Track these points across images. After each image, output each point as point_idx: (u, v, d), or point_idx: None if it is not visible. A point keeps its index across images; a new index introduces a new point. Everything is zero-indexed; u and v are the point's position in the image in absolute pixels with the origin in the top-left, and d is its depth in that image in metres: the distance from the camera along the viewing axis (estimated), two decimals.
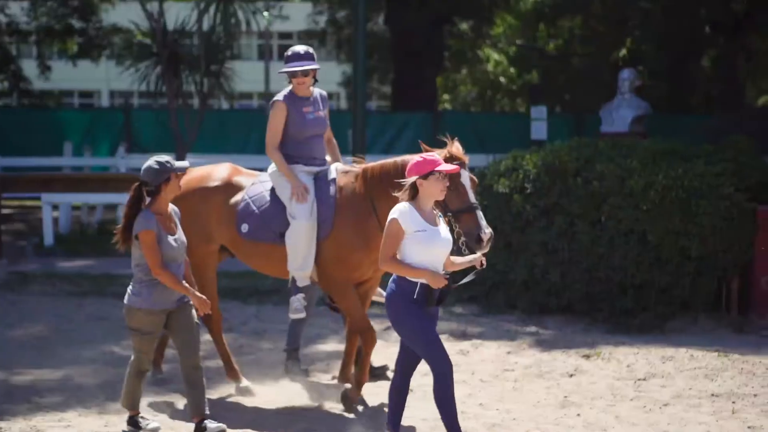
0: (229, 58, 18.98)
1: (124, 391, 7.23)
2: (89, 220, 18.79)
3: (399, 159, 7.74)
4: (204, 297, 6.99)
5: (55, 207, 17.14)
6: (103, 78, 42.55)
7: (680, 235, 10.56)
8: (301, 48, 8.29)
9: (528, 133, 19.44)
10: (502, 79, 35.23)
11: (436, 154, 6.66)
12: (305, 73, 8.19)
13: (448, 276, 6.36)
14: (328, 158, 8.40)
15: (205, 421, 7.06)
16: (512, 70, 34.04)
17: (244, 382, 8.48)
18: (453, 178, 6.87)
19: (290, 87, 8.24)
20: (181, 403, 8.08)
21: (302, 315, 8.28)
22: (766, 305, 10.59)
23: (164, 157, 6.96)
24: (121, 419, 7.57)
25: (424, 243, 6.30)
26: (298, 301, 8.23)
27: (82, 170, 21.07)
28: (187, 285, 6.91)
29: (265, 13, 26.23)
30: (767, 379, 8.70)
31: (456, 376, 8.82)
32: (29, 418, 7.58)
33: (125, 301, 7.02)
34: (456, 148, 7.17)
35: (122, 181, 17.39)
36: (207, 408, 7.10)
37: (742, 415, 7.80)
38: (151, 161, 6.93)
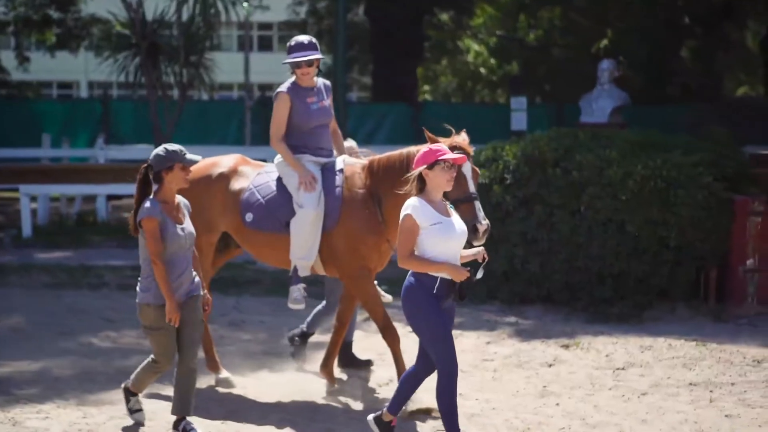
0: (209, 48, 18.88)
1: (134, 376, 7.14)
2: (68, 212, 18.72)
3: (405, 151, 7.66)
4: (175, 307, 6.69)
5: (33, 198, 17.06)
6: (81, 69, 42.35)
7: (658, 225, 10.60)
8: (304, 38, 8.16)
9: (508, 124, 19.46)
10: (482, 70, 35.26)
11: (442, 144, 6.58)
12: (309, 63, 8.07)
13: (469, 269, 6.25)
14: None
15: (184, 422, 6.98)
16: (492, 61, 34.06)
17: (224, 374, 8.46)
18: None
19: (293, 78, 8.16)
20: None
21: (302, 305, 8.18)
22: (743, 294, 10.65)
23: (175, 146, 6.81)
24: (99, 411, 7.55)
25: (441, 235, 6.19)
26: (298, 290, 8.13)
27: (61, 161, 20.97)
28: (168, 290, 6.67)
29: (245, 4, 26.15)
30: (744, 368, 8.76)
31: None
32: (7, 410, 7.54)
33: (137, 300, 6.85)
34: (461, 138, 7.10)
35: (101, 173, 17.41)
36: (192, 409, 7.01)
37: (719, 403, 7.84)
38: (161, 147, 6.81)
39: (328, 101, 8.24)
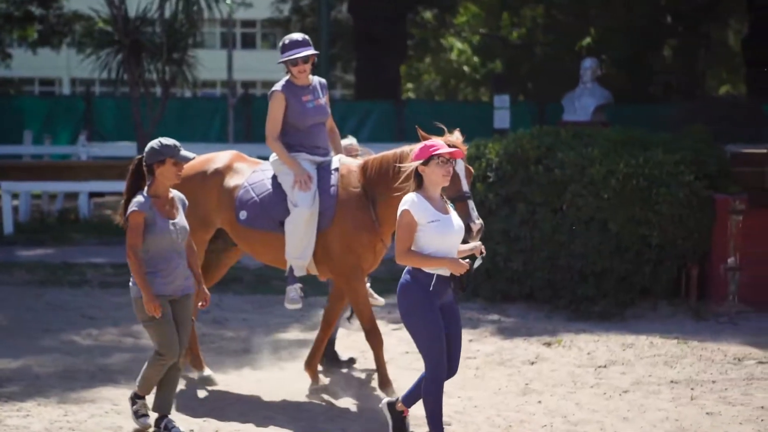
0: (192, 46, 18.81)
1: (141, 376, 6.96)
2: (49, 209, 18.64)
3: (399, 150, 7.63)
4: (152, 298, 6.61)
5: (14, 195, 16.99)
6: (63, 66, 42.22)
7: (640, 223, 10.63)
8: (297, 35, 8.13)
9: (491, 122, 19.47)
10: (465, 68, 35.29)
11: (440, 140, 6.55)
12: (305, 60, 8.03)
13: (469, 262, 6.24)
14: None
15: (166, 420, 6.93)
16: (476, 59, 34.10)
17: (207, 371, 8.45)
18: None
19: (287, 77, 8.09)
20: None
21: (298, 305, 8.10)
22: (724, 292, 10.69)
23: (170, 141, 6.74)
24: (80, 409, 7.53)
25: (439, 232, 6.17)
26: (294, 290, 8.04)
27: (43, 158, 20.88)
28: (143, 283, 6.59)
29: (228, 1, 26.09)
30: (725, 366, 8.79)
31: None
32: None
33: (131, 294, 6.76)
34: (455, 137, 7.01)
35: (83, 169, 17.33)
36: (171, 406, 6.99)
37: (700, 401, 7.87)
38: (156, 140, 6.75)
39: (324, 99, 8.19)
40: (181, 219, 6.79)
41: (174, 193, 6.84)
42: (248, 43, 49.37)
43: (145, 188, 6.74)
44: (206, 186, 8.25)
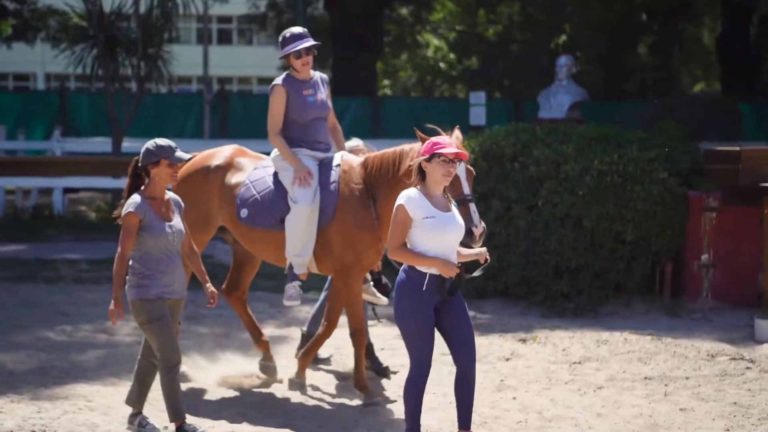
0: (167, 41, 18.76)
1: (166, 402, 6.70)
2: (23, 204, 18.54)
3: (399, 149, 7.54)
4: (118, 302, 6.51)
5: None
6: (38, 61, 41.90)
7: (614, 220, 10.68)
8: (297, 29, 8.02)
9: (467, 119, 19.51)
10: (442, 65, 35.32)
11: (447, 138, 6.40)
12: (308, 51, 7.91)
13: (460, 265, 6.12)
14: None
15: (140, 417, 6.90)
16: (452, 56, 34.14)
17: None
18: None
19: (288, 71, 8.01)
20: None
21: (297, 302, 8.00)
22: (698, 289, 10.75)
23: (165, 142, 6.62)
24: (53, 405, 7.49)
25: (434, 230, 6.05)
26: (293, 288, 7.94)
27: (17, 154, 20.75)
28: (118, 286, 6.47)
29: None
30: (698, 362, 8.84)
31: (394, 360, 8.90)
32: None
33: (128, 297, 6.62)
34: (455, 137, 6.89)
35: (57, 165, 17.24)
36: (144, 403, 6.94)
37: (674, 397, 7.91)
38: (151, 141, 6.64)
39: (324, 94, 8.08)
40: (177, 221, 6.69)
41: (170, 195, 6.74)
42: (224, 39, 49.23)
43: (142, 189, 6.64)
44: (208, 183, 8.16)
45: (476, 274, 6.31)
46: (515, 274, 11.01)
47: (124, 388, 8.04)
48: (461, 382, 6.23)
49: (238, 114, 23.75)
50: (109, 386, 8.09)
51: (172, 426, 6.88)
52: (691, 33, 31.89)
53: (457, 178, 6.68)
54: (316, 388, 8.24)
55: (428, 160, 6.11)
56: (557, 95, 16.31)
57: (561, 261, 10.77)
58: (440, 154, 6.08)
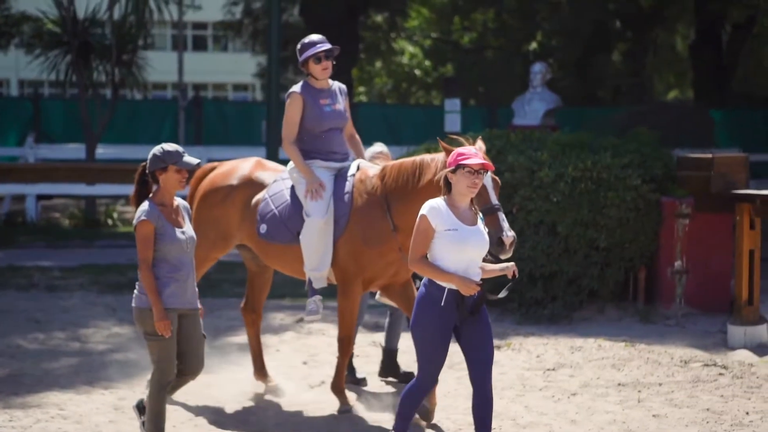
0: (142, 47, 18.72)
1: (148, 416, 6.50)
2: None
3: (419, 158, 7.31)
4: (164, 315, 6.29)
5: None
6: (11, 66, 41.63)
7: (588, 226, 10.71)
8: (315, 36, 7.83)
9: (442, 125, 19.52)
10: (417, 72, 35.36)
11: (474, 149, 6.15)
12: (328, 56, 7.73)
13: (481, 282, 5.94)
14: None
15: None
16: (427, 62, 34.19)
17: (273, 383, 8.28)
18: None
19: (305, 79, 7.83)
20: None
21: (318, 317, 7.87)
22: (671, 295, 10.80)
23: (172, 147, 6.43)
24: (25, 414, 7.44)
25: (455, 243, 5.88)
26: (314, 302, 7.78)
27: None
28: (155, 297, 6.26)
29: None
30: (672, 369, 8.88)
31: (368, 368, 8.90)
32: None
33: (134, 304, 6.45)
34: (478, 146, 6.63)
35: (30, 172, 17.12)
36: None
37: (647, 403, 7.94)
38: (158, 146, 6.48)
39: (342, 104, 7.88)
40: (188, 228, 6.53)
41: (179, 201, 6.59)
42: (199, 45, 49.12)
43: (151, 196, 6.47)
44: (227, 203, 8.01)
45: (501, 295, 6.08)
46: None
47: (97, 396, 8.02)
48: (480, 404, 6.06)
49: (212, 120, 23.69)
50: (82, 394, 8.04)
51: None
52: (664, 40, 32.10)
53: (483, 187, 6.51)
54: (291, 396, 8.21)
55: (453, 171, 5.96)
56: (532, 102, 16.36)
57: (535, 267, 10.80)
58: (465, 165, 5.92)
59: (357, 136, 8.11)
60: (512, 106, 16.72)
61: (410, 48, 34.75)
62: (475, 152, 6.02)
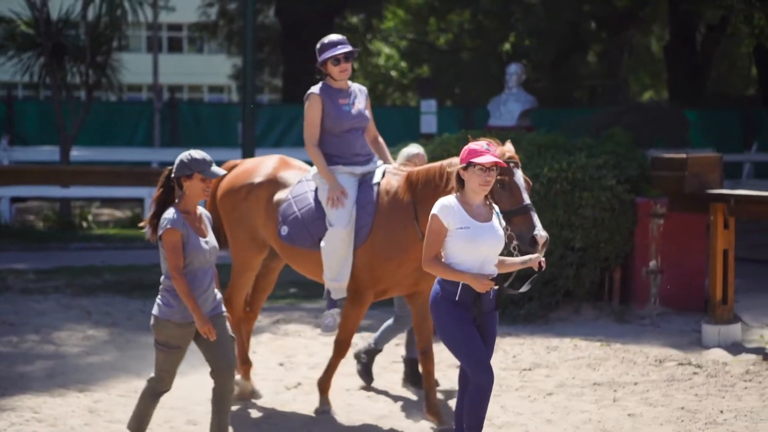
0: (116, 49, 18.64)
1: (133, 413, 6.51)
2: None
3: (446, 162, 7.05)
4: (206, 319, 6.23)
5: None
6: None
7: (564, 227, 10.74)
8: (334, 36, 7.71)
9: (418, 126, 19.56)
10: (393, 73, 35.39)
11: (486, 145, 5.95)
12: (347, 58, 7.60)
13: (494, 278, 5.84)
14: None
15: None
16: (403, 64, 34.21)
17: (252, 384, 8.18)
18: (506, 177, 6.35)
19: (324, 80, 7.70)
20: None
21: (335, 332, 7.66)
22: (646, 295, 10.85)
23: (199, 154, 6.27)
24: (0, 417, 7.38)
25: (467, 241, 5.77)
26: (330, 316, 7.62)
27: None
28: (194, 304, 6.17)
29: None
30: (647, 368, 8.92)
31: (345, 369, 8.88)
32: None
33: (154, 312, 6.31)
34: (507, 147, 6.47)
35: (4, 174, 16.98)
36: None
37: (622, 403, 7.97)
38: (186, 152, 6.35)
39: (362, 105, 7.74)
40: (211, 237, 6.40)
41: (201, 210, 6.44)
42: (174, 47, 48.95)
43: (176, 203, 6.33)
44: (250, 201, 7.87)
45: (523, 289, 5.99)
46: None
47: (72, 398, 7.98)
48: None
49: (188, 122, 23.64)
50: (56, 397, 8.00)
51: None
52: (639, 41, 32.25)
53: (516, 186, 6.39)
54: (267, 397, 8.20)
55: (465, 168, 5.85)
56: (507, 103, 16.37)
57: None
58: (476, 163, 5.82)
59: (381, 139, 7.94)
60: (488, 107, 16.73)
61: (386, 49, 34.77)
62: (486, 149, 5.88)
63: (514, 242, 6.39)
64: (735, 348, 9.46)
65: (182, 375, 8.58)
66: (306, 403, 8.01)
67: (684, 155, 10.51)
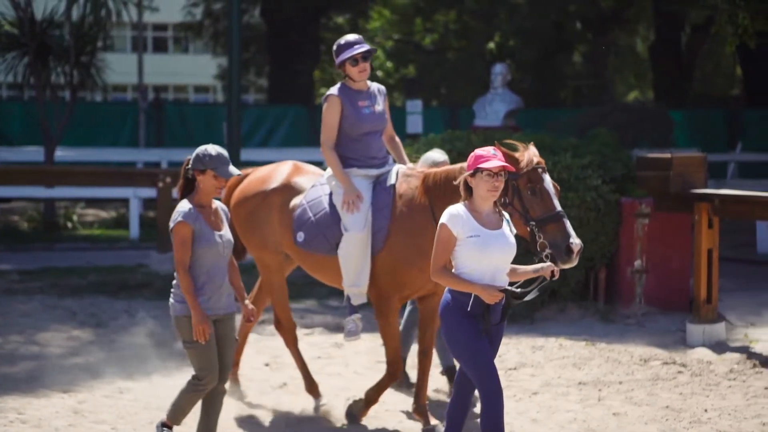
0: (101, 49, 18.58)
1: (172, 405, 6.39)
2: None
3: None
4: (203, 319, 6.13)
5: None
6: None
7: None
8: (351, 36, 7.51)
9: (403, 127, 19.56)
10: (379, 73, 35.38)
11: (492, 149, 5.76)
12: (366, 57, 7.41)
13: (505, 289, 5.68)
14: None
15: None
16: (389, 64, 34.21)
17: (322, 401, 7.94)
18: (535, 183, 6.27)
19: (342, 81, 7.53)
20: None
21: (357, 338, 7.52)
22: (631, 295, 10.86)
23: (217, 151, 6.20)
24: None
25: (478, 249, 5.61)
26: (352, 322, 7.44)
27: None
28: (194, 301, 6.10)
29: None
30: (632, 367, 8.93)
31: (330, 369, 8.89)
32: None
33: (171, 313, 6.26)
34: (533, 151, 6.38)
35: None
36: None
37: (607, 402, 7.99)
38: (205, 146, 6.23)
39: (382, 106, 7.54)
40: (226, 231, 6.31)
41: (217, 204, 6.38)
42: (160, 47, 48.87)
43: (191, 197, 6.27)
44: (265, 208, 7.74)
45: (528, 298, 5.80)
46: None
47: (56, 399, 7.95)
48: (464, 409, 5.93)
49: (173, 122, 23.60)
50: (41, 398, 7.97)
51: None
52: (624, 42, 32.32)
53: (546, 193, 6.28)
54: (252, 397, 8.18)
55: (472, 175, 5.69)
56: (493, 103, 16.39)
57: None
58: (484, 169, 5.65)
59: (397, 139, 7.79)
60: (473, 107, 16.76)
61: None
62: (494, 154, 5.71)
63: (547, 250, 6.26)
64: (719, 347, 9.48)
65: (164, 376, 8.61)
66: (291, 404, 8.00)
67: (669, 155, 10.53)
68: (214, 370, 6.26)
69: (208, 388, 6.29)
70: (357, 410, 7.58)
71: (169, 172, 13.66)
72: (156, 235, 13.60)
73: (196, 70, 44.49)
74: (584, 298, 11.04)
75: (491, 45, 27.26)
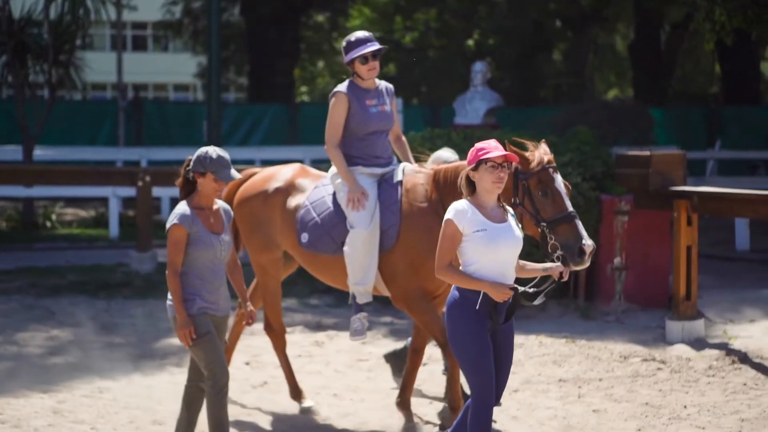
0: (80, 47, 18.50)
1: (210, 425, 6.20)
2: None
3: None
4: (186, 322, 6.07)
5: None
6: None
7: None
8: (361, 33, 7.39)
9: None
10: None
11: (493, 142, 5.64)
12: (375, 56, 7.28)
13: (514, 287, 5.52)
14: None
15: None
16: None
17: (308, 402, 7.86)
18: (546, 183, 6.19)
19: (350, 78, 7.39)
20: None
21: (363, 337, 7.40)
22: (610, 292, 10.90)
23: (218, 154, 6.12)
24: None
25: (485, 244, 5.46)
26: (358, 321, 7.35)
27: None
28: (180, 303, 6.05)
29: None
30: (611, 364, 8.96)
31: (311, 367, 8.89)
32: None
33: (169, 314, 6.18)
34: (544, 149, 6.30)
35: None
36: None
37: (587, 399, 8.01)
38: (206, 148, 6.18)
39: (389, 106, 7.44)
40: (225, 233, 6.22)
41: (220, 204, 6.31)
42: (139, 45, 48.70)
43: (189, 198, 6.20)
44: (267, 207, 7.68)
45: (537, 302, 5.67)
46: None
47: (35, 399, 7.92)
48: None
49: (153, 121, 23.53)
50: (20, 398, 7.93)
51: None
52: (604, 40, 32.42)
53: (558, 193, 6.19)
54: (233, 396, 8.16)
55: (475, 168, 5.56)
56: (473, 101, 16.41)
57: None
58: (488, 160, 5.52)
59: (403, 138, 7.71)
60: (454, 105, 16.78)
61: None
62: (495, 146, 5.59)
63: (558, 251, 6.15)
64: (698, 344, 9.52)
65: (144, 375, 8.59)
66: (272, 402, 7.99)
67: (648, 153, 10.57)
68: (223, 363, 6.19)
69: (224, 382, 6.18)
70: (448, 420, 7.35)
71: (149, 171, 13.61)
72: (135, 234, 13.54)
73: (175, 68, 44.37)
74: (564, 295, 11.06)
75: (470, 42, 27.29)
